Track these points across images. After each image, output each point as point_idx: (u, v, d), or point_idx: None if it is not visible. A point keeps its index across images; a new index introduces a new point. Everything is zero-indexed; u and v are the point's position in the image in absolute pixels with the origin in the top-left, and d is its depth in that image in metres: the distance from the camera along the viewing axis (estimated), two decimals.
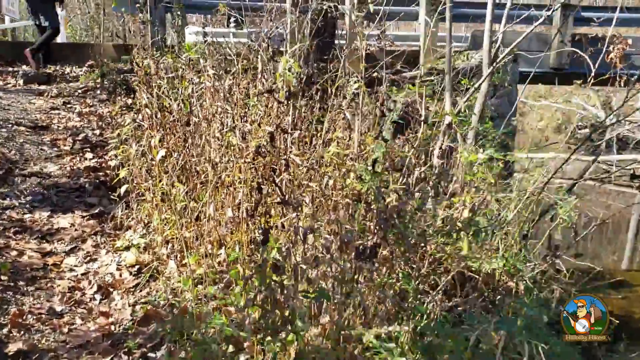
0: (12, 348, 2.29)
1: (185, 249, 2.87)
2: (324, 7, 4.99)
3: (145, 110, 3.43)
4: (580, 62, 7.09)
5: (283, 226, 2.33)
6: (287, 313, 2.06)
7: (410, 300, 2.35)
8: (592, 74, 3.29)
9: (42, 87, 6.75)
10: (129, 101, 5.55)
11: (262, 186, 2.08)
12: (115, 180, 3.54)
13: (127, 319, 2.60)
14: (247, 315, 2.08)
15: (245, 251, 2.70)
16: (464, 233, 2.34)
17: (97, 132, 5.25)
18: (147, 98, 3.47)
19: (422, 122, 3.15)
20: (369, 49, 3.30)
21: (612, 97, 12.89)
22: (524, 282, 2.50)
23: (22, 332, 2.44)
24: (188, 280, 2.70)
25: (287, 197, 2.08)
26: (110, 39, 11.43)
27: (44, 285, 2.84)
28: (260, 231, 2.34)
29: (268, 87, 2.58)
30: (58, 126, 5.30)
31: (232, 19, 8.64)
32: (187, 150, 3.23)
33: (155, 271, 2.96)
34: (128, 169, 3.45)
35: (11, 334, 2.41)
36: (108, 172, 4.29)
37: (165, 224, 3.16)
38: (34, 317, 2.56)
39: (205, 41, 4.53)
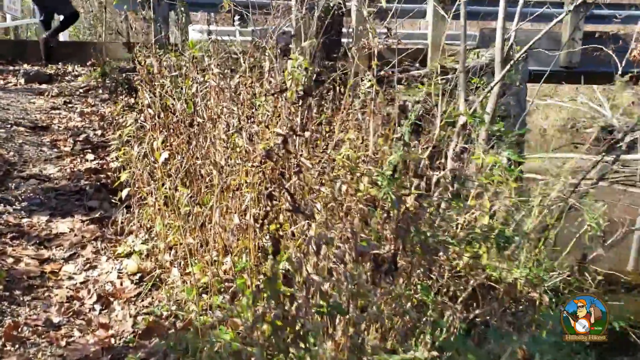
0: None
1: (189, 256, 2.73)
2: (331, 4, 4.86)
3: (148, 110, 3.29)
4: (592, 60, 6.92)
5: (293, 234, 2.19)
6: (298, 327, 1.93)
7: (429, 313, 2.20)
8: (619, 72, 3.14)
9: (43, 86, 6.62)
10: (132, 101, 5.42)
11: (273, 192, 1.94)
12: (117, 183, 3.41)
13: (128, 331, 2.47)
14: (257, 329, 1.94)
15: (252, 259, 2.56)
16: (486, 241, 2.20)
17: (99, 132, 5.11)
18: (150, 97, 3.33)
19: (436, 123, 3.01)
20: (378, 47, 3.17)
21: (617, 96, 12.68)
22: (548, 293, 2.35)
23: (17, 346, 2.31)
24: (192, 289, 2.56)
25: (298, 204, 1.93)
26: (113, 37, 11.30)
27: (41, 294, 2.70)
28: (269, 240, 2.20)
29: (279, 87, 2.44)
30: (58, 126, 5.16)
31: (237, 17, 8.52)
32: (191, 152, 3.09)
33: (157, 279, 2.82)
34: (129, 171, 3.32)
35: (5, 348, 2.28)
36: (109, 174, 4.15)
37: (168, 230, 3.02)
38: (30, 329, 2.42)
39: (209, 39, 4.40)
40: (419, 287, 2.24)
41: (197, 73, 3.25)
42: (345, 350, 1.97)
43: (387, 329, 2.15)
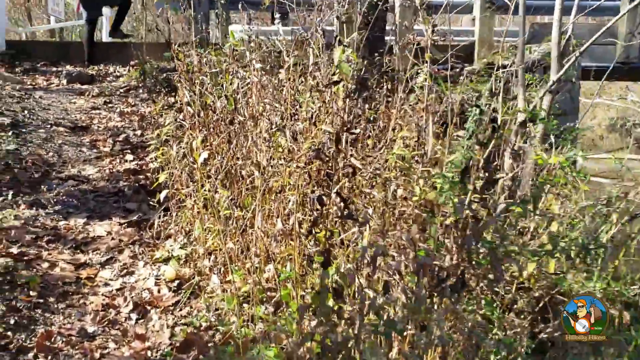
0: None
1: (229, 262, 2.57)
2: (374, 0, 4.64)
3: (187, 108, 3.14)
4: None
5: (342, 242, 1.99)
6: (350, 346, 1.73)
7: (494, 331, 1.98)
8: None
9: (85, 86, 6.61)
10: (171, 99, 5.32)
11: (323, 197, 1.74)
12: (155, 184, 3.28)
13: (165, 343, 2.31)
14: (304, 348, 1.75)
15: (296, 267, 2.37)
16: (563, 252, 1.96)
17: (139, 132, 5.03)
18: (189, 95, 3.18)
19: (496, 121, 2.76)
20: (425, 43, 2.94)
21: None
22: (630, 309, 2.09)
23: (49, 358, 2.17)
24: (233, 299, 2.39)
25: (350, 209, 1.74)
26: (154, 37, 11.33)
27: (75, 302, 2.57)
28: (314, 246, 2.01)
29: (327, 80, 2.25)
30: (98, 126, 5.10)
31: (277, 15, 8.38)
32: (232, 152, 2.92)
33: (196, 287, 2.66)
34: (168, 172, 3.18)
35: None
36: (148, 174, 4.04)
37: (207, 234, 2.86)
38: (64, 339, 2.29)
39: (250, 37, 4.25)
40: (482, 301, 2.02)
41: (239, 68, 3.08)
42: None
43: (449, 349, 1.93)
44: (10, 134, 4.36)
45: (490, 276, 1.99)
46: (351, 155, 1.89)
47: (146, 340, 2.33)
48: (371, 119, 2.85)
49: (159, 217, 3.20)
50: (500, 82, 4.42)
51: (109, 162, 4.31)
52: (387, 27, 6.12)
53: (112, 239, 3.16)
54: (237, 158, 2.90)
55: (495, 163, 2.98)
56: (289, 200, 2.42)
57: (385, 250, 1.61)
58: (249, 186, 2.80)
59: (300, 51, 3.21)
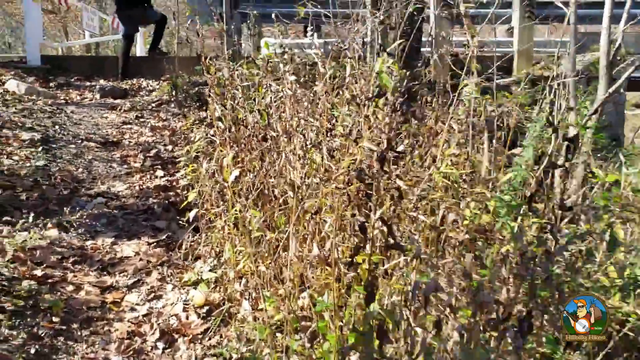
0: None
1: (261, 287, 2.40)
2: (411, 10, 4.47)
3: (218, 123, 3.00)
4: None
5: (386, 273, 1.80)
6: None
7: None
8: None
9: (117, 101, 6.58)
10: (203, 114, 5.22)
11: (365, 223, 1.56)
12: (185, 203, 3.14)
13: None
14: None
15: (334, 296, 2.19)
16: (632, 287, 1.73)
17: (170, 147, 4.93)
18: (220, 110, 3.04)
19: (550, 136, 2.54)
20: (470, 53, 2.75)
21: None
22: None
23: None
24: (265, 328, 2.22)
25: (395, 237, 1.55)
26: (187, 52, 11.35)
27: (100, 329, 2.43)
28: (358, 280, 1.83)
29: (368, 92, 2.07)
30: (129, 141, 5.02)
31: (310, 28, 8.28)
32: (264, 170, 2.77)
33: (226, 314, 2.50)
34: (198, 190, 3.04)
35: None
36: (179, 191, 3.92)
37: (238, 256, 2.70)
38: None
39: (283, 50, 4.12)
40: (544, 338, 1.80)
41: (272, 81, 2.93)
42: None
43: None
44: (40, 149, 4.30)
45: (552, 309, 1.78)
46: (397, 176, 1.70)
47: None
48: (410, 135, 2.67)
49: (188, 238, 3.06)
50: (551, 94, 4.18)
51: (139, 178, 4.21)
52: (423, 38, 5.95)
53: (140, 259, 3.03)
54: (270, 176, 2.74)
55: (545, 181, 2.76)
56: (326, 223, 2.25)
57: (439, 285, 1.42)
58: (282, 206, 2.63)
59: (336, 63, 3.05)
